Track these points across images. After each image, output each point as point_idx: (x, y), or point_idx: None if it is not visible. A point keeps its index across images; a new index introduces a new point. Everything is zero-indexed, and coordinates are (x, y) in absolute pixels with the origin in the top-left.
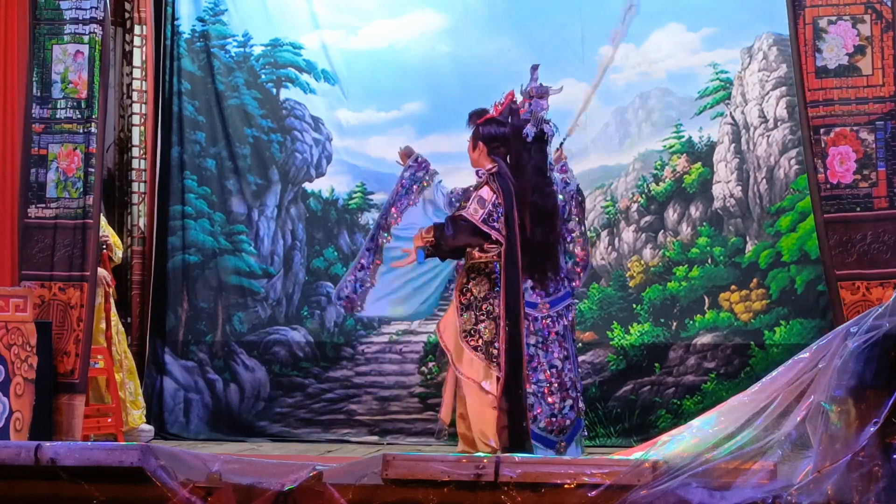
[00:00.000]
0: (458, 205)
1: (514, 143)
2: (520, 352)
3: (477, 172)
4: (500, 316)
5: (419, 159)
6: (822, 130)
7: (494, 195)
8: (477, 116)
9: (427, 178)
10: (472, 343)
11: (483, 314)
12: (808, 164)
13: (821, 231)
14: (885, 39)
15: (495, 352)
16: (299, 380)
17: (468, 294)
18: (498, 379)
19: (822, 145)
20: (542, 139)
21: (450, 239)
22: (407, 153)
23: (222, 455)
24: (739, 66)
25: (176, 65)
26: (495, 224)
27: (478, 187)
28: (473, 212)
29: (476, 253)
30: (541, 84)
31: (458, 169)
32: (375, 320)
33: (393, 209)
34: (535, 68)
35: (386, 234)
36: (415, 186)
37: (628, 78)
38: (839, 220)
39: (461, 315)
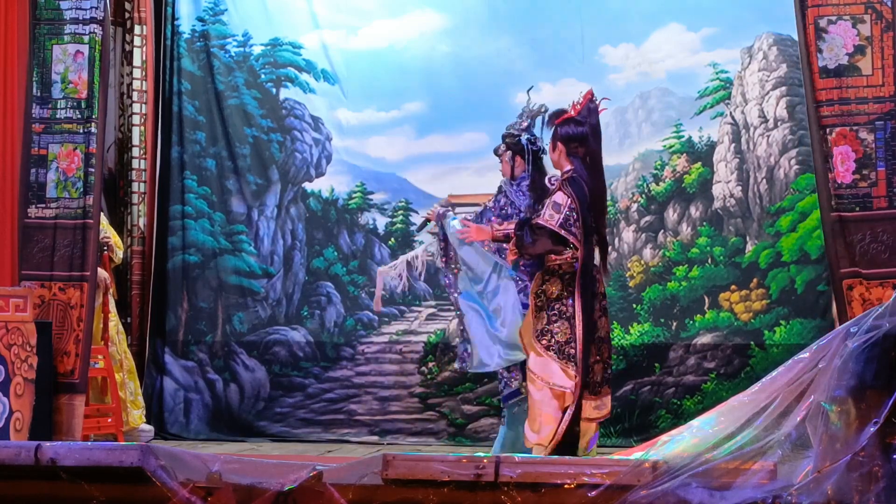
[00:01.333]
0: (523, 211)
1: (592, 142)
2: (586, 357)
3: (549, 179)
4: (573, 316)
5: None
6: (825, 130)
7: (569, 199)
8: (555, 117)
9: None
10: (545, 343)
11: (556, 314)
12: (817, 164)
13: (827, 230)
14: (885, 39)
15: (572, 352)
16: (299, 380)
17: (542, 296)
18: (574, 377)
19: (828, 145)
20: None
21: (529, 247)
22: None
23: (222, 455)
24: (739, 66)
25: (176, 65)
26: (573, 228)
27: (551, 193)
28: (549, 217)
29: (551, 255)
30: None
31: (459, 169)
32: (375, 320)
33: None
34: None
35: (454, 267)
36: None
37: (628, 78)
38: (839, 220)
39: (535, 316)
